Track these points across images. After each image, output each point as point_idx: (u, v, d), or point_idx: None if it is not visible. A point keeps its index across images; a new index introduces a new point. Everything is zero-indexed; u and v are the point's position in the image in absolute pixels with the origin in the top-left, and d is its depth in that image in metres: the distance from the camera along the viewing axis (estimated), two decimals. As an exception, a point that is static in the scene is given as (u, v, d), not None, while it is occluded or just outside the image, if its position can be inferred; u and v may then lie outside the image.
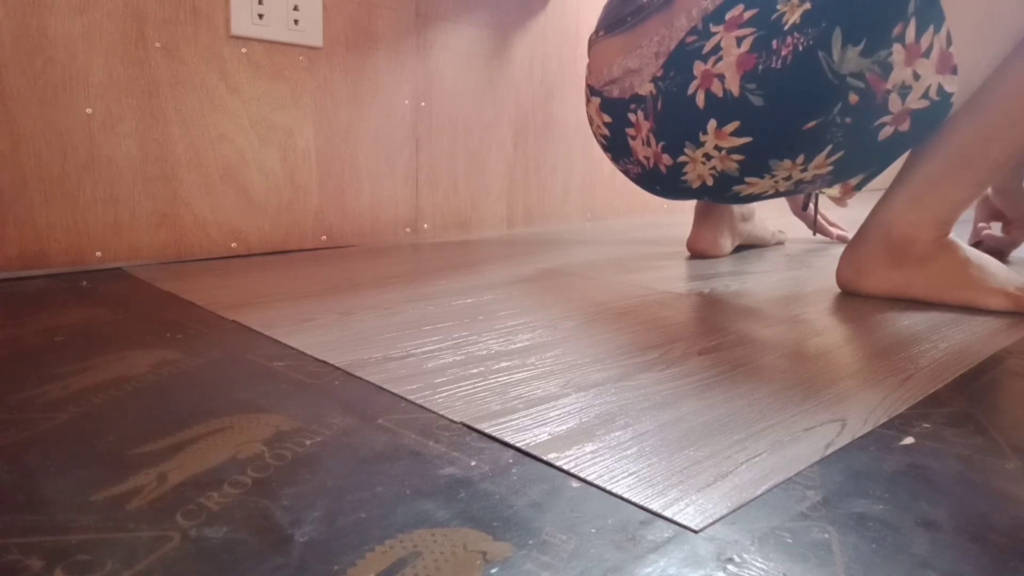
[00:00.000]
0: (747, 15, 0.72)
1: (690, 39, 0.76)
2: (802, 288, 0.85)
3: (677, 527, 0.31)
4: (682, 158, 0.82)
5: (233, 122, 0.97)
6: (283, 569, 0.28)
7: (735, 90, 0.73)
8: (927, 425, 0.43)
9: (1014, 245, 1.08)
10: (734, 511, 0.33)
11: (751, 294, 0.81)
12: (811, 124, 0.71)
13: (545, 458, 0.38)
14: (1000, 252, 1.07)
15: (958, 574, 0.28)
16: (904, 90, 0.69)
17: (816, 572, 0.28)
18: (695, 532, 0.31)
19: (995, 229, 1.12)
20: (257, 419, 0.42)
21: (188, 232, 0.95)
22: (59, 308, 0.68)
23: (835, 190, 0.84)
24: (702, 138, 0.78)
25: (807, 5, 0.68)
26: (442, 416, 0.43)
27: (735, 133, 0.76)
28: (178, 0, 0.90)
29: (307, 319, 0.65)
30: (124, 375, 0.49)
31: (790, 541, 0.30)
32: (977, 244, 1.09)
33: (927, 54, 0.67)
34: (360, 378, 0.50)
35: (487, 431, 0.41)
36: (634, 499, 0.33)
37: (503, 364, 0.53)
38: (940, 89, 0.68)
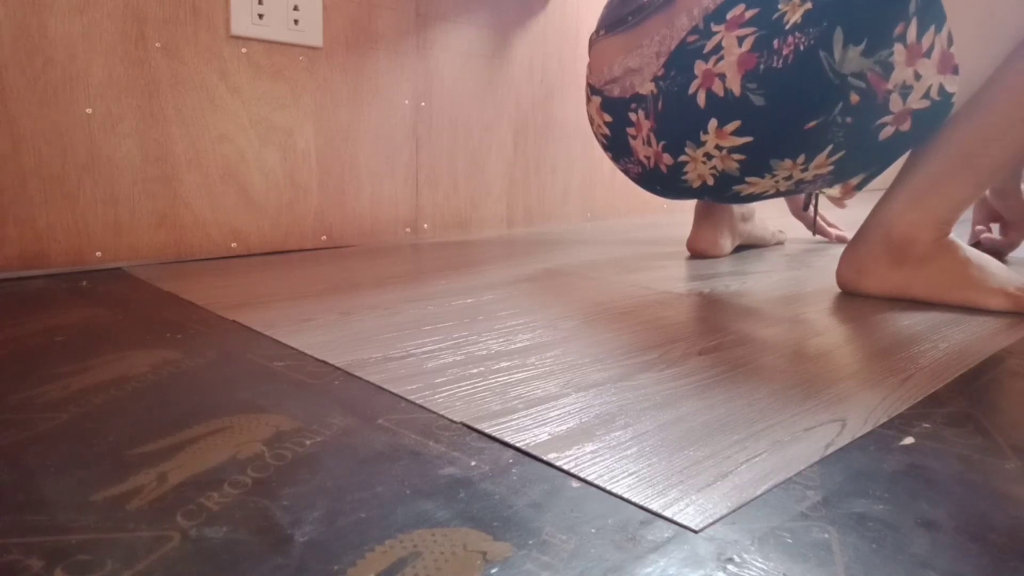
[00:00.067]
0: (748, 14, 0.72)
1: (691, 38, 0.76)
2: (802, 288, 0.85)
3: (677, 527, 0.31)
4: (683, 157, 0.82)
5: (233, 122, 0.97)
6: (283, 569, 0.28)
7: (736, 89, 0.73)
8: (927, 425, 0.43)
9: (1012, 247, 1.08)
10: (734, 511, 0.33)
11: (751, 294, 0.81)
12: (812, 124, 0.71)
13: (545, 458, 0.38)
14: (998, 253, 1.07)
15: (958, 574, 0.28)
16: (905, 90, 0.69)
17: (816, 572, 0.28)
18: (695, 532, 0.31)
19: (994, 231, 1.12)
20: (257, 419, 0.42)
21: (188, 232, 0.95)
22: (59, 308, 0.68)
23: (835, 190, 0.84)
24: (703, 137, 0.78)
25: (808, 5, 0.68)
26: (442, 416, 0.43)
27: (736, 133, 0.76)
28: (178, 0, 0.90)
29: (307, 319, 0.65)
30: (124, 375, 0.49)
31: (790, 541, 0.30)
32: (976, 245, 1.09)
33: (928, 54, 0.67)
34: (360, 378, 0.50)
35: (487, 431, 0.41)
36: (634, 499, 0.33)
37: (503, 364, 0.53)
38: (941, 89, 0.68)
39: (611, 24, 0.87)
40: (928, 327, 0.67)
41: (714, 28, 0.74)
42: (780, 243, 1.24)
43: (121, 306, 0.69)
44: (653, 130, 0.84)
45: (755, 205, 1.17)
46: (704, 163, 0.81)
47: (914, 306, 0.76)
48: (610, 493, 0.34)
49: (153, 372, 0.50)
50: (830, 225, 1.31)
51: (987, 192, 1.06)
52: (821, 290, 0.84)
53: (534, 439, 0.40)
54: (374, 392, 0.47)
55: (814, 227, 1.14)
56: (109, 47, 0.86)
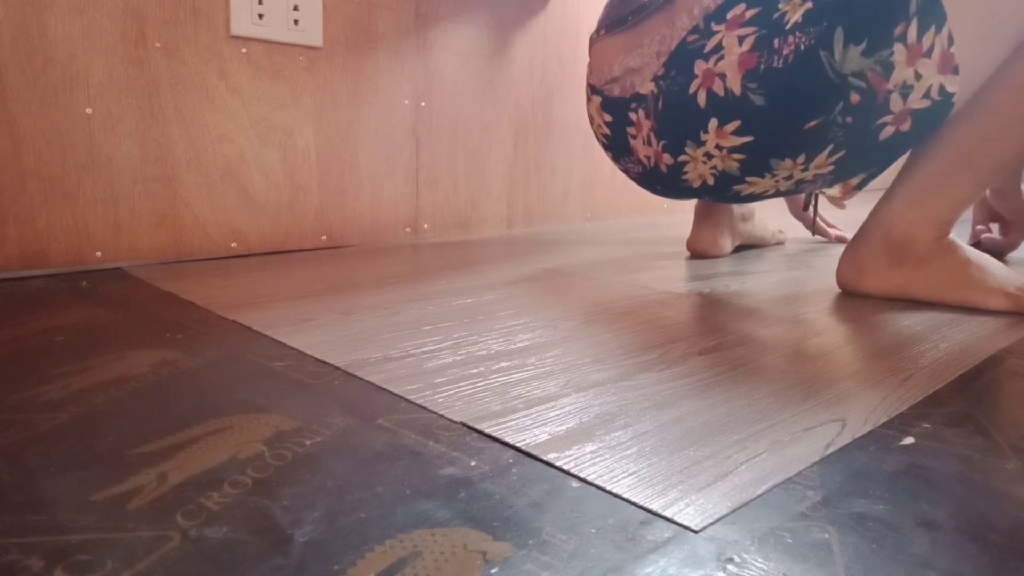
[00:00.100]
0: (749, 14, 0.72)
1: (691, 38, 0.76)
2: (802, 288, 0.85)
3: (677, 527, 0.31)
4: (683, 157, 0.82)
5: (233, 122, 0.97)
6: (283, 569, 0.28)
7: (736, 89, 0.73)
8: (927, 425, 0.43)
9: (1012, 247, 1.08)
10: (734, 511, 0.33)
11: (751, 294, 0.81)
12: (812, 123, 0.71)
13: (545, 458, 0.38)
14: (999, 254, 1.07)
15: (958, 574, 0.28)
16: (905, 90, 0.69)
17: (816, 572, 0.28)
18: (695, 532, 0.31)
19: (994, 231, 1.12)
20: (257, 419, 0.42)
21: (188, 232, 0.95)
22: (59, 308, 0.68)
23: (836, 190, 0.84)
24: (703, 137, 0.78)
25: (809, 4, 0.68)
26: (442, 416, 0.43)
27: (736, 132, 0.76)
28: (178, 0, 0.90)
29: (307, 319, 0.65)
30: (124, 375, 0.49)
31: (790, 541, 0.30)
32: (976, 245, 1.08)
33: (929, 54, 0.67)
34: (360, 378, 0.50)
35: (487, 431, 0.41)
36: (634, 499, 0.33)
37: (503, 364, 0.53)
38: (941, 89, 0.68)
39: (611, 24, 0.87)
40: (928, 327, 0.67)
41: (715, 28, 0.74)
42: (780, 243, 1.24)
43: (121, 306, 0.69)
44: (653, 130, 0.83)
45: (755, 205, 1.17)
46: (704, 163, 0.81)
47: (914, 306, 0.76)
48: (610, 493, 0.34)
49: (153, 372, 0.50)
50: (829, 225, 1.31)
51: (987, 192, 1.06)
52: (821, 290, 0.84)
53: (534, 439, 0.40)
54: (374, 392, 0.47)
55: (813, 227, 1.14)
56: (109, 47, 0.86)
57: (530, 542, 0.30)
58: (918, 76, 0.68)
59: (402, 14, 1.13)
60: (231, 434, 0.40)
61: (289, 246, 1.06)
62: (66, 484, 0.34)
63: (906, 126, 0.71)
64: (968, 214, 1.45)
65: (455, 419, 0.43)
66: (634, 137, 0.87)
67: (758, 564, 0.29)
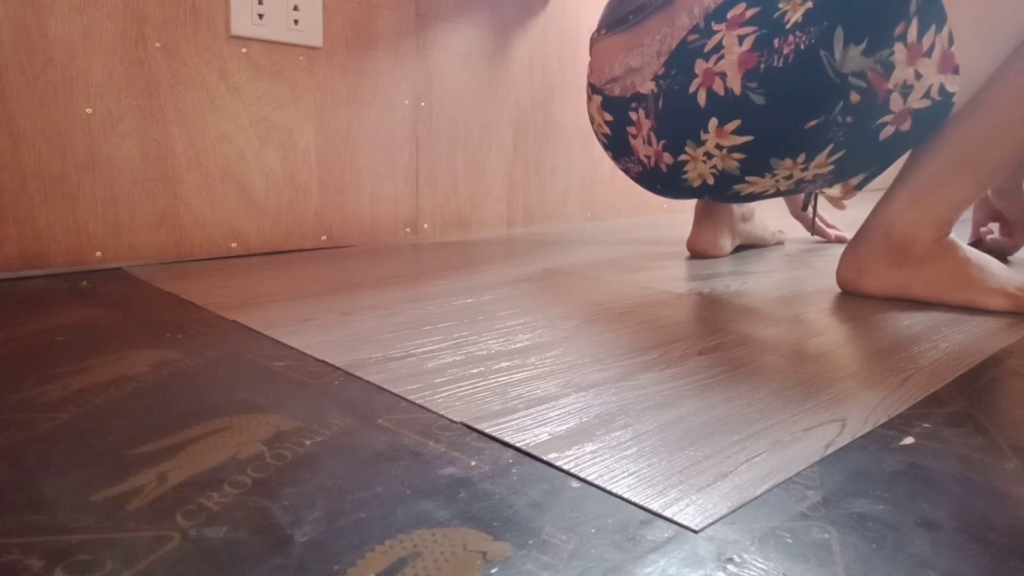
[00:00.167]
0: (749, 13, 0.72)
1: (692, 37, 0.76)
2: (802, 288, 0.85)
3: (677, 527, 0.31)
4: (683, 157, 0.82)
5: (233, 122, 0.97)
6: (283, 569, 0.28)
7: (736, 89, 0.73)
8: (927, 425, 0.43)
9: (1015, 247, 1.08)
10: (734, 511, 0.33)
11: (751, 294, 0.81)
12: (812, 123, 0.71)
13: (545, 458, 0.38)
14: (1001, 254, 1.07)
15: (958, 574, 0.28)
16: (906, 89, 0.69)
17: (816, 572, 0.28)
18: (695, 532, 0.31)
19: (994, 231, 1.12)
20: (257, 419, 0.42)
21: (188, 232, 0.95)
22: (59, 308, 0.68)
23: (836, 190, 0.84)
24: (703, 137, 0.78)
25: (809, 4, 0.68)
26: (442, 416, 0.43)
27: (736, 132, 0.76)
28: (178, 0, 0.90)
29: (307, 319, 0.65)
30: (124, 375, 0.49)
31: (790, 541, 0.30)
32: (976, 244, 1.08)
33: (929, 53, 0.67)
34: (360, 378, 0.50)
35: (487, 431, 0.41)
36: (634, 499, 0.33)
37: (503, 364, 0.53)
38: (942, 89, 0.68)
39: (612, 23, 0.87)
40: (928, 327, 0.67)
41: (715, 27, 0.74)
42: (780, 243, 1.24)
43: (121, 306, 0.69)
44: (653, 129, 0.83)
45: (755, 205, 1.17)
46: (704, 162, 0.81)
47: (914, 306, 0.76)
48: (610, 493, 0.34)
49: (153, 372, 0.50)
50: (829, 226, 1.31)
51: (989, 192, 1.06)
52: (821, 290, 0.84)
53: (534, 439, 0.40)
54: (374, 392, 0.47)
55: (812, 227, 1.14)
56: (109, 47, 0.86)
57: (530, 542, 0.30)
58: (918, 76, 0.68)
59: (402, 14, 1.13)
60: (231, 434, 0.40)
61: (289, 246, 1.06)
62: (66, 484, 0.34)
63: (906, 126, 0.71)
64: (968, 214, 1.45)
65: (455, 419, 0.43)
66: (634, 137, 0.87)
67: (758, 564, 0.29)
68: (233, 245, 0.99)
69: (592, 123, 0.95)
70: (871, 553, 0.30)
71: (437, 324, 0.65)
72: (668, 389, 0.49)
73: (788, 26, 0.69)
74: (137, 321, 0.64)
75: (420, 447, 0.39)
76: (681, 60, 0.77)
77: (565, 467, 0.37)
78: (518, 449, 0.39)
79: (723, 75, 0.74)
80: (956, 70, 0.68)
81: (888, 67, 0.67)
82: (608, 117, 0.90)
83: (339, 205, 1.10)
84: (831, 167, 0.76)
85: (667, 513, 0.32)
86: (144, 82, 0.89)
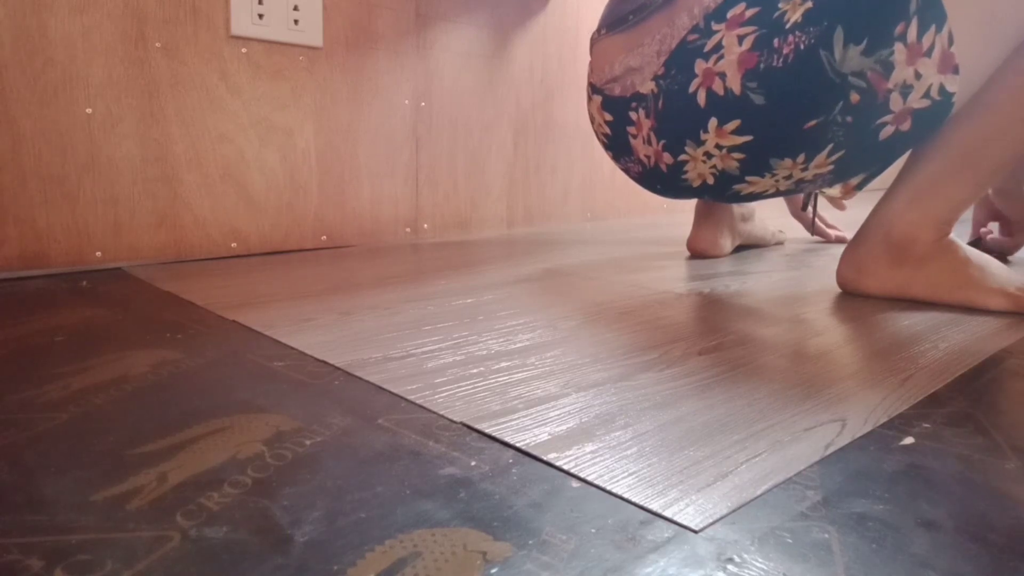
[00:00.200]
0: (749, 13, 0.72)
1: (692, 37, 0.76)
2: (802, 288, 0.85)
3: (677, 527, 0.31)
4: (683, 156, 0.82)
5: (233, 122, 0.97)
6: (283, 569, 0.28)
7: (736, 88, 0.73)
8: (927, 425, 0.43)
9: (1015, 247, 1.08)
10: (734, 511, 0.33)
11: (751, 294, 0.81)
12: (812, 123, 0.71)
13: (545, 458, 0.38)
14: (1000, 253, 1.07)
15: (958, 574, 0.28)
16: (905, 89, 0.69)
17: (816, 572, 0.28)
18: (695, 532, 0.31)
19: (994, 231, 1.12)
20: (257, 419, 0.42)
21: (188, 232, 0.95)
22: (59, 308, 0.68)
23: (836, 190, 0.84)
24: (703, 136, 0.78)
25: (809, 4, 0.68)
26: (442, 416, 0.43)
27: (736, 132, 0.76)
28: (178, 0, 0.90)
29: (307, 319, 0.65)
30: (124, 375, 0.49)
31: (790, 541, 0.30)
32: (976, 244, 1.08)
33: (929, 53, 0.67)
34: (360, 378, 0.50)
35: (487, 431, 0.41)
36: (634, 499, 0.33)
37: (503, 364, 0.53)
38: (941, 89, 0.68)
39: (612, 23, 0.87)
40: (928, 327, 0.67)
41: (715, 27, 0.74)
42: (780, 243, 1.24)
43: (121, 306, 0.69)
44: (653, 129, 0.83)
45: (755, 205, 1.17)
46: (704, 162, 0.81)
47: (914, 306, 0.76)
48: (610, 493, 0.34)
49: (153, 372, 0.50)
50: (829, 226, 1.30)
51: (989, 191, 1.06)
52: (821, 290, 0.84)
53: (534, 439, 0.40)
54: (374, 392, 0.47)
55: (812, 227, 1.14)
56: (109, 47, 0.86)
57: (530, 542, 0.30)
58: (918, 76, 0.68)
59: (402, 14, 1.13)
60: (231, 434, 0.40)
61: (289, 246, 1.06)
62: (66, 484, 0.34)
63: (906, 126, 0.71)
64: (968, 214, 1.45)
65: (455, 419, 0.43)
66: (634, 136, 0.87)
67: (758, 564, 0.29)
68: (233, 245, 0.99)
69: (592, 123, 0.95)
70: (871, 553, 0.30)
71: (437, 324, 0.65)
72: (668, 389, 0.49)
73: (788, 26, 0.69)
74: (137, 321, 0.64)
75: (420, 447, 0.39)
76: (681, 60, 0.77)
77: (565, 467, 0.37)
78: (518, 449, 0.39)
79: (723, 75, 0.74)
80: (956, 70, 0.68)
81: (888, 67, 0.67)
82: (608, 117, 0.90)
83: (339, 205, 1.10)
84: (831, 167, 0.76)
85: (667, 513, 0.32)
86: (144, 82, 0.89)
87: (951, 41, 0.66)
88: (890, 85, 0.68)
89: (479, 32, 1.25)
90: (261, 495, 0.33)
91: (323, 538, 0.30)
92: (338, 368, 0.52)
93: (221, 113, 0.96)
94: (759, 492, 0.34)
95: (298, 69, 1.02)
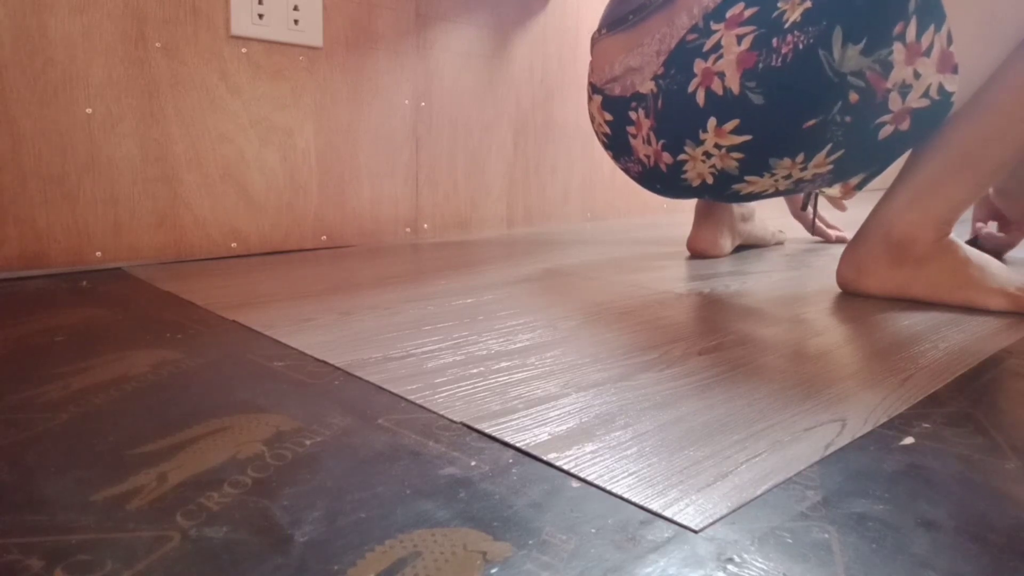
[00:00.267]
0: (748, 13, 0.72)
1: (691, 37, 0.76)
2: (802, 288, 0.85)
3: (677, 527, 0.31)
4: (682, 156, 0.82)
5: (233, 122, 0.97)
6: (283, 569, 0.28)
7: (735, 88, 0.73)
8: (927, 425, 0.43)
9: (1010, 245, 1.08)
10: (734, 511, 0.33)
11: (751, 294, 0.81)
12: (811, 122, 0.71)
13: (545, 458, 0.38)
14: (997, 252, 1.07)
15: (958, 574, 0.28)
16: (904, 89, 0.69)
17: (816, 572, 0.28)
18: (695, 532, 0.31)
19: (991, 228, 1.12)
20: (257, 419, 0.42)
21: (188, 232, 0.95)
22: (59, 308, 0.68)
23: (835, 190, 0.84)
24: (702, 136, 0.78)
25: (808, 3, 0.68)
26: (442, 416, 0.43)
27: (735, 131, 0.76)
28: (178, 0, 0.90)
29: (307, 319, 0.65)
30: (124, 375, 0.49)
31: (790, 541, 0.30)
32: (972, 241, 1.09)
33: (928, 53, 0.67)
34: (360, 378, 0.50)
35: (487, 431, 0.41)
36: (634, 499, 0.33)
37: (503, 364, 0.53)
38: (941, 88, 0.68)
39: (612, 23, 0.87)
40: (928, 327, 0.67)
41: (714, 26, 0.74)
42: (780, 243, 1.24)
43: (121, 306, 0.69)
44: (653, 129, 0.84)
45: (755, 205, 1.17)
46: (703, 162, 0.81)
47: (914, 306, 0.76)
48: (610, 493, 0.34)
49: (153, 372, 0.50)
50: (829, 226, 1.30)
51: (990, 191, 1.06)
52: (821, 290, 0.84)
53: (534, 439, 0.40)
54: (374, 392, 0.47)
55: (813, 227, 1.14)
56: (109, 47, 0.86)
57: (530, 542, 0.30)
58: (917, 75, 0.68)
59: (402, 14, 1.13)
60: (231, 434, 0.40)
61: (289, 246, 1.06)
62: (66, 484, 0.34)
63: (905, 125, 0.71)
64: (968, 214, 1.45)
65: (455, 419, 0.43)
66: (634, 136, 0.87)
67: (758, 564, 0.29)
68: (233, 245, 0.99)
69: (593, 123, 0.95)
70: (871, 553, 0.30)
71: (437, 324, 0.65)
72: (668, 389, 0.49)
73: (787, 25, 0.69)
74: (137, 321, 0.64)
75: (420, 447, 0.39)
76: (680, 59, 0.77)
77: (565, 467, 0.37)
78: (518, 449, 0.39)
79: (722, 74, 0.74)
80: (955, 69, 0.68)
81: (887, 67, 0.67)
82: (608, 117, 0.90)
83: (339, 205, 1.10)
84: (830, 167, 0.76)
85: (667, 513, 0.32)
86: (144, 82, 0.89)
87: (950, 41, 0.66)
88: (889, 85, 0.68)
89: (479, 32, 1.25)
90: (261, 495, 0.33)
91: (323, 538, 0.30)
92: (338, 368, 0.52)
93: (221, 113, 0.96)
94: (759, 492, 0.34)
95: (298, 69, 1.02)
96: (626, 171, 0.94)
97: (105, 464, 0.36)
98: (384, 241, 1.17)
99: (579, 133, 1.47)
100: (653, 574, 0.28)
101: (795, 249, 1.19)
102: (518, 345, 0.58)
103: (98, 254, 0.88)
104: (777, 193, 0.84)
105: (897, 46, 0.67)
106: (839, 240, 1.27)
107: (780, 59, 0.70)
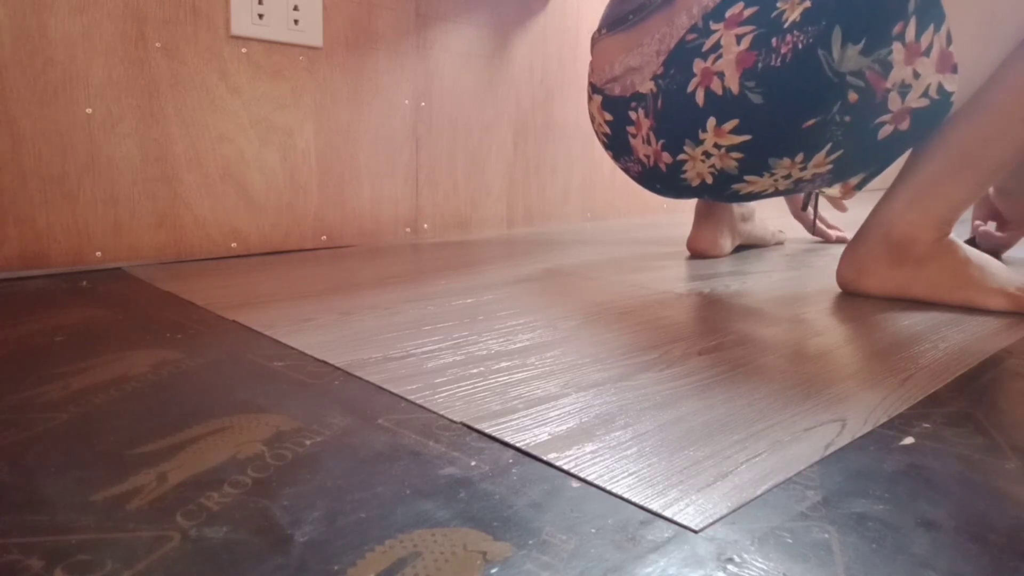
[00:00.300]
0: (747, 13, 0.72)
1: (690, 37, 0.76)
2: (802, 288, 0.85)
3: (677, 527, 0.31)
4: (682, 156, 0.82)
5: (233, 122, 0.97)
6: (283, 569, 0.28)
7: (735, 88, 0.73)
8: (927, 425, 0.43)
9: (1007, 245, 1.08)
10: (734, 511, 0.33)
11: (751, 294, 0.81)
12: (810, 122, 0.71)
13: (545, 458, 0.38)
14: (995, 251, 1.07)
15: (958, 574, 0.28)
16: (904, 89, 0.69)
17: (816, 572, 0.28)
18: (695, 532, 0.31)
19: (989, 227, 1.12)
20: (257, 419, 0.42)
21: (188, 232, 0.95)
22: (59, 308, 0.68)
23: (835, 190, 0.84)
24: (701, 136, 0.78)
25: (807, 3, 0.68)
26: (442, 416, 0.43)
27: (734, 131, 0.76)
28: (178, 0, 0.90)
29: (307, 319, 0.65)
30: (124, 375, 0.49)
31: (790, 541, 0.30)
32: (970, 241, 1.09)
33: (927, 53, 0.67)
34: (360, 378, 0.50)
35: (487, 431, 0.41)
36: (634, 499, 0.33)
37: (503, 364, 0.53)
38: (940, 88, 0.68)
39: (612, 23, 0.87)
40: (928, 327, 0.67)
41: (713, 26, 0.74)
42: (780, 243, 1.24)
43: (121, 306, 0.69)
44: (653, 128, 0.84)
45: (755, 205, 1.17)
46: (703, 161, 0.81)
47: (914, 306, 0.76)
48: (610, 493, 0.34)
49: (153, 372, 0.50)
50: (829, 226, 1.30)
51: (990, 190, 1.06)
52: (821, 290, 0.84)
53: (534, 439, 0.40)
54: (374, 392, 0.47)
55: (813, 227, 1.14)
56: (109, 47, 0.86)
57: (530, 542, 0.30)
58: (916, 75, 0.68)
59: (402, 14, 1.13)
60: (231, 434, 0.40)
61: (289, 246, 1.06)
62: (66, 484, 0.34)
63: (905, 125, 0.71)
64: (968, 213, 1.45)
65: (455, 419, 0.43)
66: (634, 136, 0.87)
67: (758, 564, 0.29)
68: (233, 245, 0.99)
69: (593, 122, 0.95)
70: (871, 553, 0.30)
71: (437, 324, 0.65)
72: (668, 389, 0.49)
73: (786, 25, 0.69)
74: (137, 321, 0.64)
75: (420, 447, 0.39)
76: (680, 59, 0.77)
77: (565, 467, 0.37)
78: (518, 449, 0.39)
79: (721, 74, 0.74)
80: (954, 69, 0.68)
81: (886, 66, 0.67)
82: (608, 116, 0.90)
83: (339, 205, 1.10)
84: (830, 166, 0.76)
85: (667, 513, 0.32)
86: (144, 82, 0.89)
87: (949, 40, 0.66)
88: (888, 85, 0.68)
89: (479, 32, 1.25)
90: (261, 495, 0.33)
91: (323, 538, 0.30)
92: (338, 368, 0.52)
93: (221, 113, 0.96)
94: (759, 492, 0.34)
95: (298, 69, 1.02)
96: (626, 171, 0.94)
97: (105, 464, 0.36)
98: (384, 241, 1.17)
99: (579, 133, 1.47)
100: (653, 574, 0.28)
101: (795, 249, 1.19)
102: (518, 345, 0.58)
103: (98, 254, 0.88)
104: (777, 193, 0.84)
105: (896, 46, 0.67)
106: (839, 240, 1.27)
107: (779, 59, 0.70)
